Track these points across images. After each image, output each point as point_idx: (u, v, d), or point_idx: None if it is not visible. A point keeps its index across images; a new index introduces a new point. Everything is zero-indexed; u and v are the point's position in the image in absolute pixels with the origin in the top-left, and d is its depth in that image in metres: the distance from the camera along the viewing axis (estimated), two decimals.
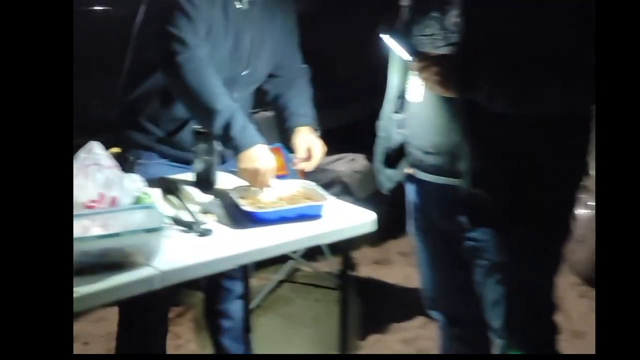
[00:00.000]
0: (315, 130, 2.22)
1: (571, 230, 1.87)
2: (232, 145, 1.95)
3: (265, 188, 1.96)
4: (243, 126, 1.94)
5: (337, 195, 3.00)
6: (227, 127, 1.91)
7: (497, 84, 1.67)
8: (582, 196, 3.37)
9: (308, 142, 2.15)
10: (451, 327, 2.10)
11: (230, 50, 2.08)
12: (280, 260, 3.21)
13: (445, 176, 1.81)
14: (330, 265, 3.20)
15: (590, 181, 3.30)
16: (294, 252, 3.14)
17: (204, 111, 1.93)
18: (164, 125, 2.13)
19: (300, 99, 2.24)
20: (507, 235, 1.79)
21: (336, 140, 3.49)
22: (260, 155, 1.95)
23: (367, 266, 3.48)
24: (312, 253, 3.29)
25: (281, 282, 3.30)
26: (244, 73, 2.15)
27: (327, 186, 3.11)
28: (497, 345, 1.90)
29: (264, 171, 1.95)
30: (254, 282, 3.20)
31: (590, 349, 2.75)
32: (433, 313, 2.12)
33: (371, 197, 3.08)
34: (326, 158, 3.37)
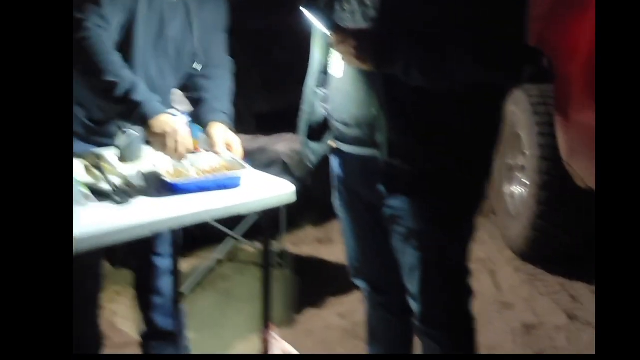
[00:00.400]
0: (231, 128, 2.18)
1: (484, 198, 1.94)
2: (139, 115, 1.91)
3: (184, 157, 1.95)
4: (148, 94, 1.93)
5: (277, 175, 3.04)
6: (129, 93, 1.89)
7: (412, 58, 1.73)
8: (517, 175, 3.50)
9: (226, 137, 2.12)
10: (375, 295, 2.17)
11: (153, 42, 2.08)
12: (221, 240, 3.25)
13: (365, 147, 1.86)
14: (272, 243, 3.24)
15: (526, 160, 3.43)
16: (232, 229, 3.18)
17: (103, 83, 1.90)
18: (92, 113, 2.12)
19: (218, 92, 2.22)
20: (422, 203, 1.85)
21: (276, 120, 3.55)
22: (171, 119, 1.94)
23: (309, 245, 3.54)
24: (254, 232, 3.33)
25: (222, 261, 3.34)
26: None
27: (266, 166, 3.15)
28: (414, 310, 1.97)
29: (181, 135, 1.93)
30: (195, 261, 3.25)
31: (518, 319, 2.89)
32: (358, 282, 2.18)
33: (312, 176, 3.12)
34: (266, 138, 3.44)
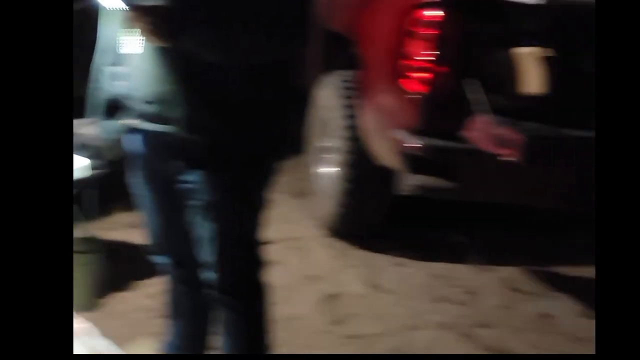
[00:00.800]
0: None
1: (275, 172, 2.02)
2: None
3: None
4: None
5: (89, 159, 2.96)
6: None
7: (205, 34, 1.78)
8: (326, 156, 3.67)
9: None
10: (176, 270, 2.20)
11: None
12: None
13: (164, 124, 1.89)
14: (83, 229, 3.15)
15: (333, 142, 3.59)
16: None
17: None
18: None
19: None
20: (216, 177, 1.92)
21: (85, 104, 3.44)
22: None
23: (120, 230, 3.47)
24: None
25: None
26: None
27: (77, 150, 3.05)
28: (212, 281, 2.02)
29: None
30: None
31: (323, 290, 3.05)
32: (158, 258, 2.21)
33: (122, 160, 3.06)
34: (76, 121, 3.32)
